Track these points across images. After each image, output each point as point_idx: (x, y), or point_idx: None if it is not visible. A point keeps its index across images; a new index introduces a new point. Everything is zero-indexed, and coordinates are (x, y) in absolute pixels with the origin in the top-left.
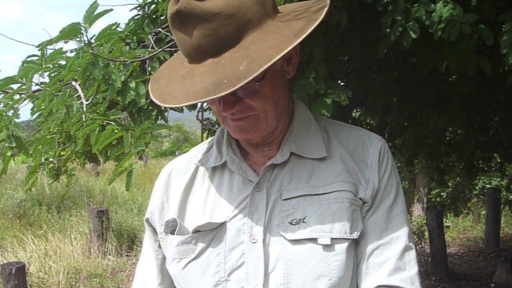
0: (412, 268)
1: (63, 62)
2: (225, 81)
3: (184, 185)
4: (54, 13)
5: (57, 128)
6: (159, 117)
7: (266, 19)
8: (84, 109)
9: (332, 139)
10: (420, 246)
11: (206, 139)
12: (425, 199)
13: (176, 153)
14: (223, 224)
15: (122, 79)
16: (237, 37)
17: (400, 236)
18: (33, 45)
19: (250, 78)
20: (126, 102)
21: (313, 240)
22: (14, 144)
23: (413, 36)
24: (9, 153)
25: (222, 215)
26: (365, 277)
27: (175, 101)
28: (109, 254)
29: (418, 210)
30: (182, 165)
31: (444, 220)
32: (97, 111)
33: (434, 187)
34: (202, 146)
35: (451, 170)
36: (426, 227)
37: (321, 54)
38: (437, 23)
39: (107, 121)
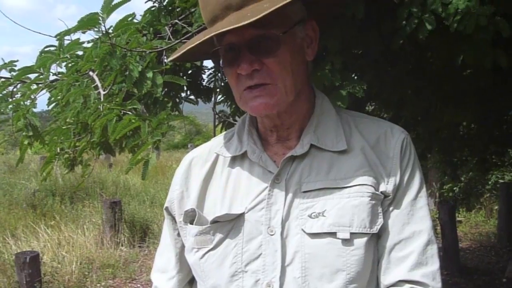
0: (434, 263)
1: (80, 53)
2: (249, 14)
3: (204, 174)
4: (65, 5)
5: (73, 118)
6: (174, 108)
7: None
8: (102, 99)
9: (354, 131)
10: None
11: (220, 131)
12: (437, 194)
13: (189, 146)
14: (241, 215)
15: (140, 69)
16: None
17: (423, 231)
18: (50, 36)
19: (273, 8)
20: (143, 93)
21: (332, 234)
22: (31, 133)
23: (429, 28)
24: (26, 142)
25: (241, 206)
26: (386, 271)
27: (191, 43)
28: (122, 245)
29: (430, 205)
30: (202, 154)
31: (457, 214)
32: (114, 101)
33: (447, 182)
34: (224, 136)
35: (464, 165)
36: (438, 222)
37: (337, 46)
38: (453, 15)
39: (124, 111)
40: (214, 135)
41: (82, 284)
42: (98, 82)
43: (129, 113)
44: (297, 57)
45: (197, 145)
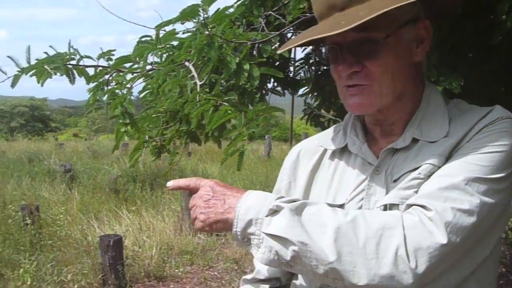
0: (456, 202)
1: (174, 43)
2: (343, 22)
3: (311, 166)
4: None
5: (163, 107)
6: (261, 99)
7: None
8: (198, 89)
9: (455, 121)
10: None
11: (306, 123)
12: None
13: (265, 137)
14: (341, 206)
15: (237, 61)
16: None
17: (459, 179)
18: (146, 26)
19: (365, 19)
20: (240, 84)
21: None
22: (128, 121)
23: None
24: (122, 130)
25: (342, 197)
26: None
27: (290, 44)
28: (200, 233)
29: None
30: (311, 147)
31: None
32: (211, 92)
33: None
34: (333, 129)
35: None
36: None
37: (434, 40)
38: None
39: (220, 102)
40: (292, 127)
41: (161, 269)
42: (194, 73)
43: (225, 103)
44: (401, 59)
45: (274, 136)
